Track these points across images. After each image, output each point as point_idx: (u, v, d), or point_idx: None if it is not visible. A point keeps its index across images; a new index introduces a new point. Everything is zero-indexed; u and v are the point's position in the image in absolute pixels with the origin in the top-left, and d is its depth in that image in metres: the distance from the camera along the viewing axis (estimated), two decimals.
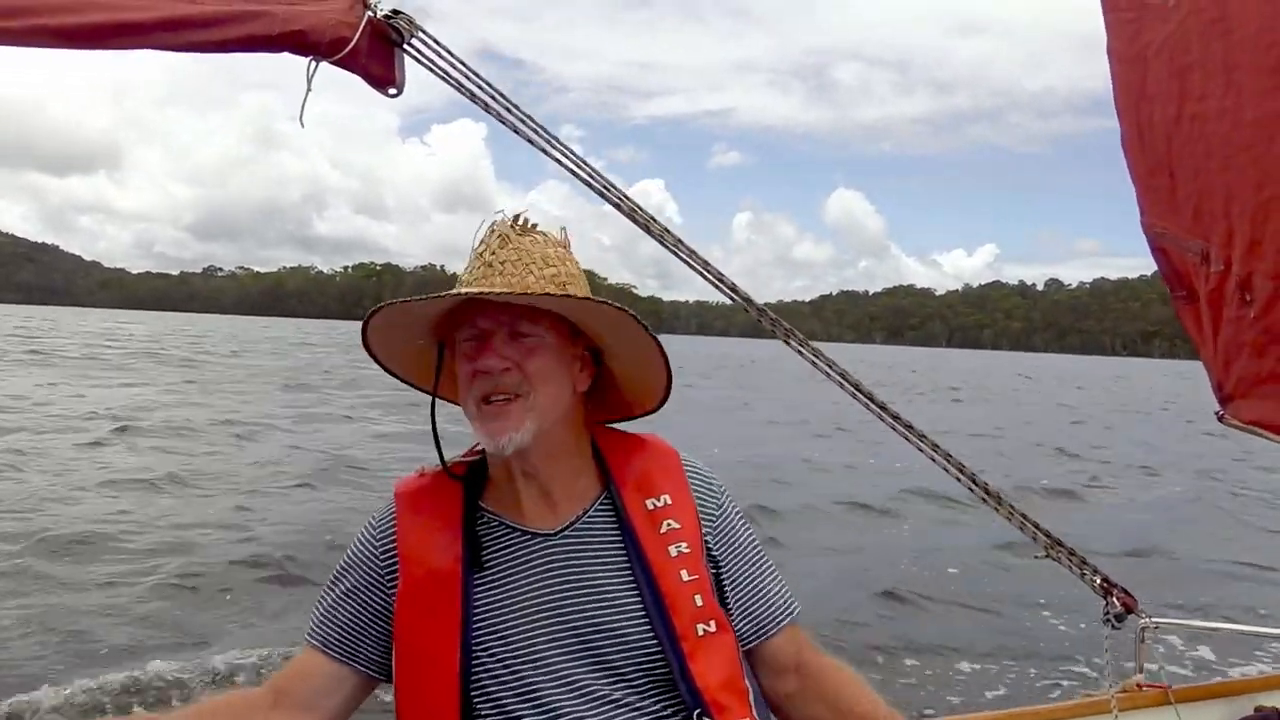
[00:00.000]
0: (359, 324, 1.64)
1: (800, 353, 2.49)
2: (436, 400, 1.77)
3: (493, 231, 1.70)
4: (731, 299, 2.48)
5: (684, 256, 2.41)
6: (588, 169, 2.34)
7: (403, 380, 1.84)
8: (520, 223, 1.72)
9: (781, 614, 1.83)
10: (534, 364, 1.63)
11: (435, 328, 1.72)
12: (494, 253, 1.66)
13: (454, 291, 1.61)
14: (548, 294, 1.60)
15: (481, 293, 1.58)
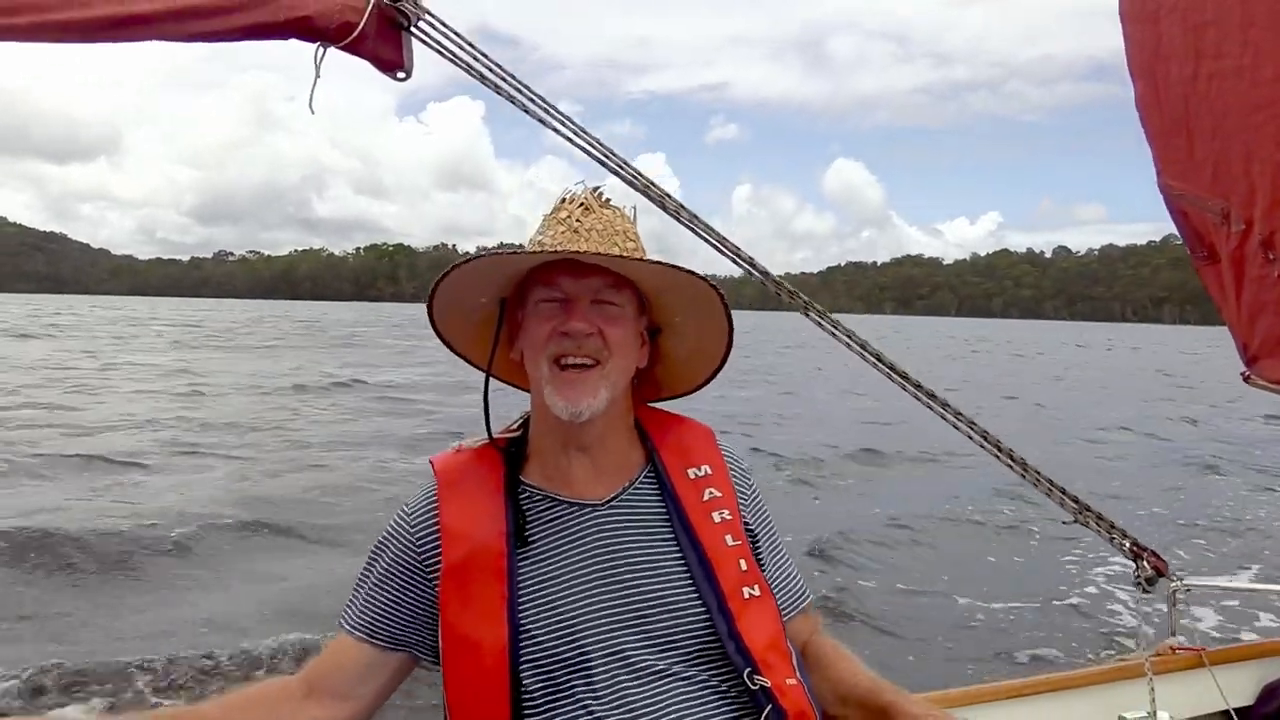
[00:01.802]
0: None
1: (819, 324, 2.48)
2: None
3: (573, 200, 1.71)
4: (750, 272, 2.47)
5: (699, 230, 2.40)
6: (603, 148, 2.34)
7: (450, 347, 1.83)
8: (597, 194, 1.73)
9: (801, 597, 1.88)
10: (615, 332, 1.65)
11: (502, 288, 1.72)
12: (579, 220, 1.67)
13: (568, 249, 1.62)
14: (660, 262, 1.62)
15: (596, 255, 1.61)
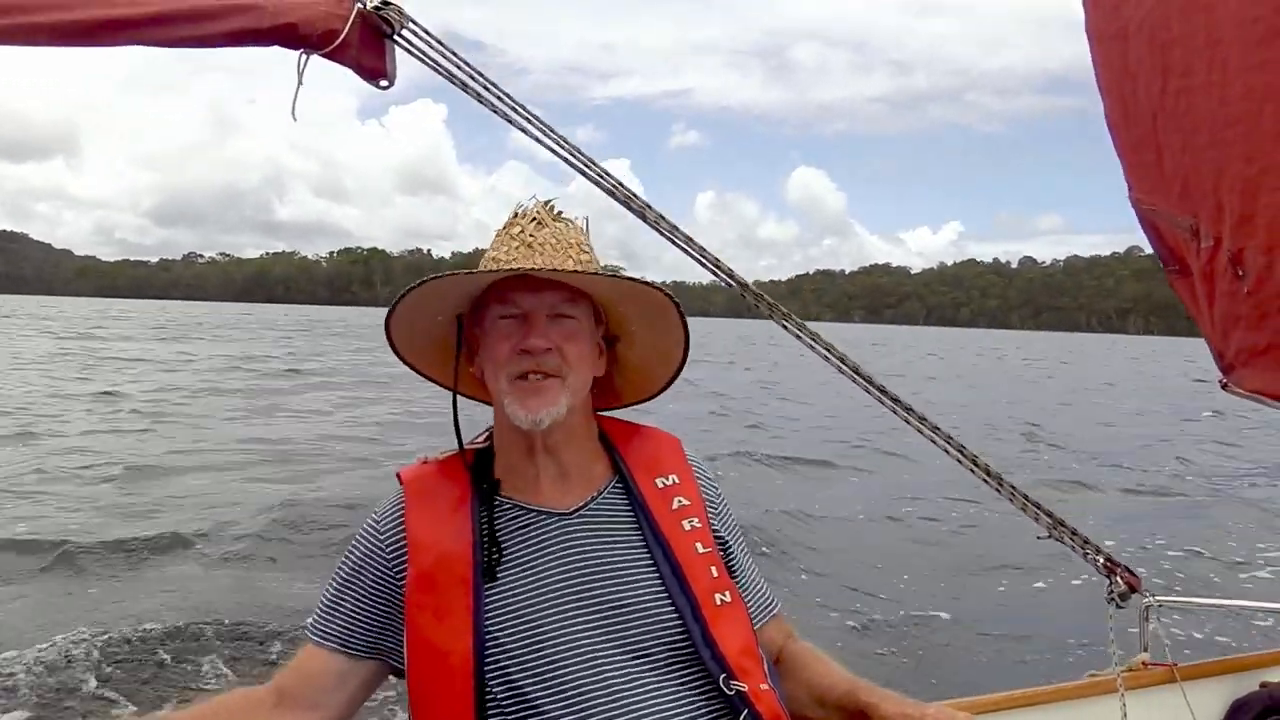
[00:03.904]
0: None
1: (798, 335, 2.48)
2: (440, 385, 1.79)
3: (525, 214, 1.72)
4: (726, 280, 2.46)
5: (672, 236, 2.40)
6: (584, 158, 2.34)
7: (412, 367, 1.84)
8: (549, 208, 1.73)
9: (771, 604, 1.90)
10: (573, 348, 1.66)
11: (457, 306, 1.73)
12: (531, 235, 1.67)
13: (523, 265, 1.63)
14: (615, 275, 1.66)
15: (553, 271, 1.62)
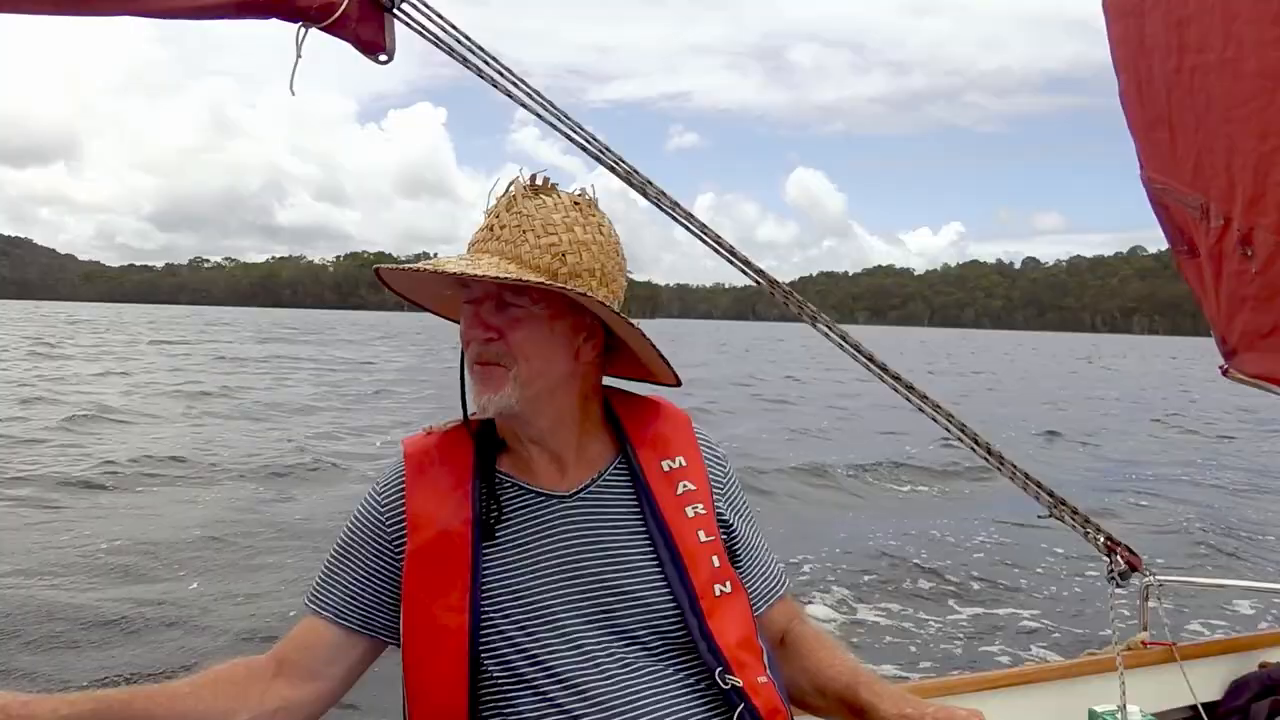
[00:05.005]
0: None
1: (825, 333, 2.47)
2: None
3: (505, 193, 1.65)
4: (756, 281, 2.45)
5: (680, 217, 2.40)
6: (584, 134, 2.33)
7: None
8: (533, 184, 1.65)
9: (779, 586, 1.84)
10: (517, 336, 1.59)
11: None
12: (498, 217, 1.62)
13: (412, 266, 1.61)
14: (486, 277, 1.53)
15: (429, 268, 1.56)
